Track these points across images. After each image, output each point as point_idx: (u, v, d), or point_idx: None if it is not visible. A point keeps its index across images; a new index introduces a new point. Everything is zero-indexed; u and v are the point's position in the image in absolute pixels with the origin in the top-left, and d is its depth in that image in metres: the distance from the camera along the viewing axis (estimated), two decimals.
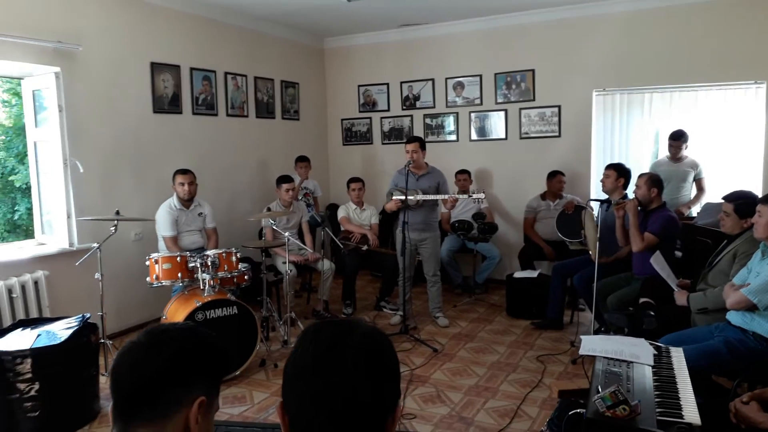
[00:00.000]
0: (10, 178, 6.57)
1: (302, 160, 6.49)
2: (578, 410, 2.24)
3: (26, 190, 6.69)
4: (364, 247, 5.81)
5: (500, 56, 6.61)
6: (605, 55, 6.05)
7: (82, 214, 4.62)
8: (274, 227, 5.07)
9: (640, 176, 4.54)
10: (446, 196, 5.00)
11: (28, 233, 6.63)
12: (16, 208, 6.72)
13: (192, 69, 5.71)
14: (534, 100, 6.51)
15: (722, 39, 5.51)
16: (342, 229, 6.02)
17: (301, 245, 5.54)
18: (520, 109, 6.58)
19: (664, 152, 5.83)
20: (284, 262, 5.22)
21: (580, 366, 4.28)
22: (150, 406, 1.06)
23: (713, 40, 5.55)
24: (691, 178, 5.62)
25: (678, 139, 5.56)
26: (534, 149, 6.53)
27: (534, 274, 5.54)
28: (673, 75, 5.76)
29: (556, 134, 6.44)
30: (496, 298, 6.13)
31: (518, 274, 5.61)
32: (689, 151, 5.66)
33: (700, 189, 5.64)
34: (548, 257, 5.91)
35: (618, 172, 4.90)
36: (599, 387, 2.19)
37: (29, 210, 6.62)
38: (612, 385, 2.10)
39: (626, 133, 6.19)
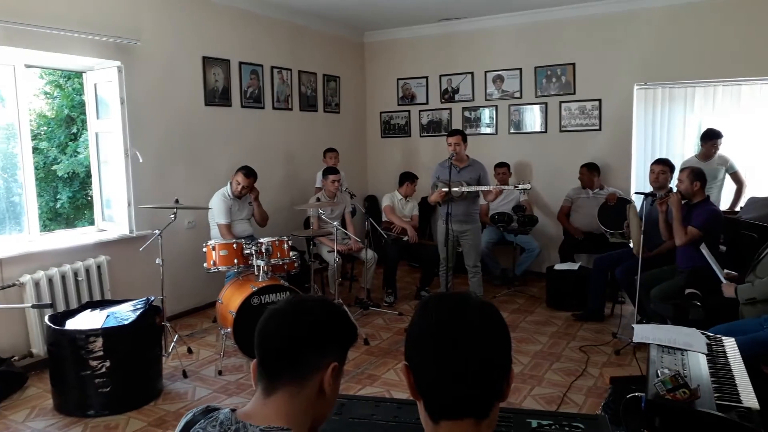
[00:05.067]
0: (53, 168, 6.78)
1: (331, 150, 6.57)
2: (636, 394, 2.34)
3: (68, 180, 6.88)
4: (405, 237, 5.95)
5: (540, 50, 6.65)
6: (647, 49, 6.06)
7: (139, 203, 4.83)
8: (323, 217, 5.23)
9: (683, 170, 4.58)
10: (491, 187, 5.09)
11: (69, 222, 6.88)
12: (58, 197, 6.93)
13: (241, 63, 5.88)
14: (574, 93, 6.54)
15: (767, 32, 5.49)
16: (384, 218, 6.16)
17: (347, 234, 5.68)
18: (560, 102, 6.62)
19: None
20: (330, 251, 5.38)
21: (623, 356, 4.35)
22: (292, 366, 1.19)
23: (758, 34, 5.52)
24: (721, 174, 5.58)
25: (712, 138, 5.53)
26: (574, 142, 6.58)
27: (575, 266, 5.61)
28: (716, 69, 5.75)
29: (597, 128, 6.47)
30: (535, 290, 6.21)
31: (559, 267, 5.69)
32: (720, 147, 5.63)
33: (738, 182, 5.62)
34: (578, 242, 5.99)
35: (671, 168, 4.95)
36: (658, 372, 2.28)
37: (71, 199, 6.85)
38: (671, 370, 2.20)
39: (667, 128, 6.20)
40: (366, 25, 7.37)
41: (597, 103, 6.43)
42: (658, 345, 2.61)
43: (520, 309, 5.65)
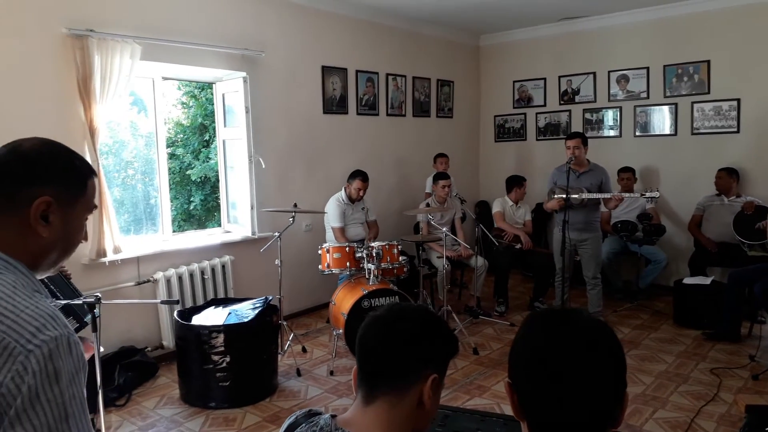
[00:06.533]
0: (187, 172, 7.28)
1: (441, 156, 6.47)
2: None
3: (200, 183, 7.35)
4: (518, 245, 5.78)
5: (670, 47, 6.20)
6: None
7: (261, 206, 5.08)
8: (432, 222, 5.21)
9: None
10: (612, 194, 4.82)
11: (200, 223, 7.36)
12: (191, 200, 7.44)
13: (357, 71, 6.03)
14: (708, 93, 6.03)
15: None
16: (495, 225, 6.02)
17: (457, 240, 5.63)
18: (693, 102, 6.13)
19: None
20: (439, 257, 5.35)
21: (762, 383, 3.93)
22: (392, 375, 1.17)
23: None
24: None
25: None
26: (707, 146, 6.06)
27: (707, 281, 5.16)
28: None
29: (734, 130, 5.92)
30: (661, 305, 5.76)
31: (688, 281, 5.26)
32: None
33: None
34: (711, 255, 5.51)
35: None
36: None
37: (202, 201, 7.33)
38: None
39: None
40: (482, 28, 7.27)
41: (735, 103, 5.88)
42: None
43: (644, 325, 5.28)
